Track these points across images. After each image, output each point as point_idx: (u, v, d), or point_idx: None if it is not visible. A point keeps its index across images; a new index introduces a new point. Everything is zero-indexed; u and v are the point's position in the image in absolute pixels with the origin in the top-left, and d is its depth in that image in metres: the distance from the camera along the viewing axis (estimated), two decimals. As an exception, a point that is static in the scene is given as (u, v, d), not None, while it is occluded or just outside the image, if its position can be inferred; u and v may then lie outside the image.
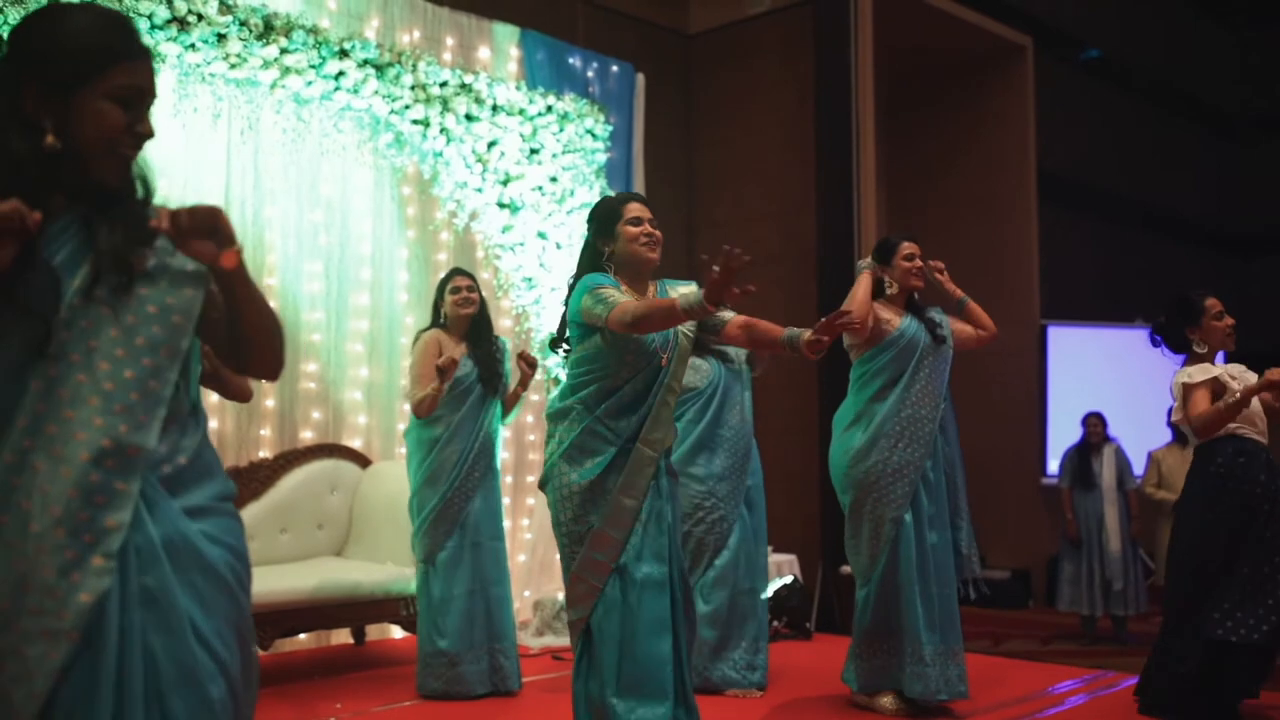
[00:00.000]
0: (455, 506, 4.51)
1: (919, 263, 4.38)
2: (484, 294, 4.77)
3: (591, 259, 3.21)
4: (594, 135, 6.19)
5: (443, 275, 4.82)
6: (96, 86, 1.67)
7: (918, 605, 4.19)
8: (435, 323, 4.68)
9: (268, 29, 4.80)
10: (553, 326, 6.00)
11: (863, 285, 4.30)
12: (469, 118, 5.63)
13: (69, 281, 1.63)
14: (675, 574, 3.10)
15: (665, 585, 3.05)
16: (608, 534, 3.04)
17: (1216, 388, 4.20)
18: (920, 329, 4.35)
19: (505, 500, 5.58)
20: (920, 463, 4.27)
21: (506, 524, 5.19)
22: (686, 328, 3.16)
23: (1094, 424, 7.09)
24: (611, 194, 6.29)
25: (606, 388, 3.08)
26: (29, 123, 1.65)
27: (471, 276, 4.72)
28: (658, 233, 3.17)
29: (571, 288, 3.17)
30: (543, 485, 3.19)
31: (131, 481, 1.63)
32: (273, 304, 6.48)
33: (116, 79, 1.68)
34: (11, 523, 1.59)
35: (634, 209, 3.18)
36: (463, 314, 4.59)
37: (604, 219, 3.20)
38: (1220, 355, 4.47)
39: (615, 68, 6.90)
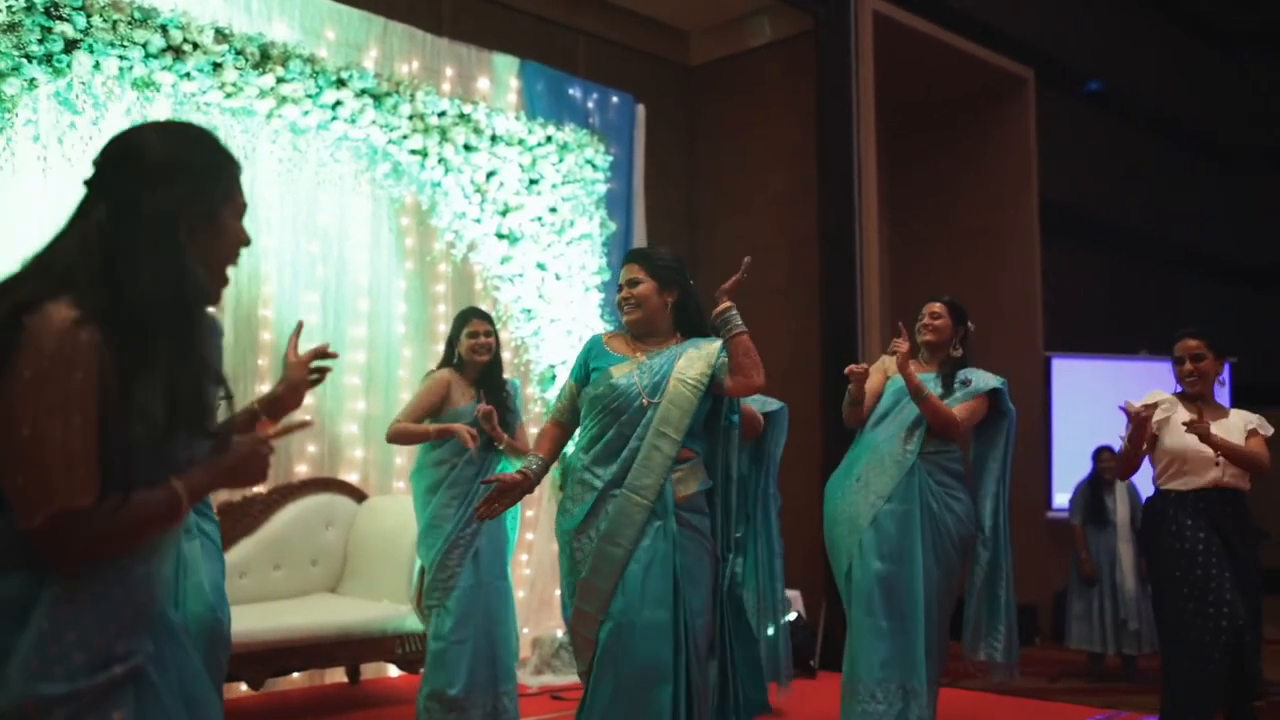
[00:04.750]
0: (459, 549, 4.39)
1: (925, 319, 4.20)
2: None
3: None
4: (594, 166, 6.14)
5: (459, 312, 4.64)
6: (232, 203, 1.66)
7: (866, 640, 3.92)
8: (449, 361, 4.54)
9: (264, 58, 4.75)
10: (551, 358, 5.92)
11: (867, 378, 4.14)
12: (468, 148, 5.58)
13: None
14: (682, 620, 2.96)
15: (668, 631, 2.92)
16: (594, 584, 2.98)
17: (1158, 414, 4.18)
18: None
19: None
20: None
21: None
22: (682, 373, 3.08)
23: (1107, 459, 6.82)
24: (612, 226, 6.28)
25: (594, 434, 3.10)
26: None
27: (489, 319, 4.54)
28: (633, 293, 3.22)
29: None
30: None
31: None
32: (267, 336, 6.32)
33: (240, 196, 1.68)
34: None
35: (623, 272, 3.31)
36: (478, 360, 4.46)
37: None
38: (1225, 395, 4.35)
39: (615, 98, 6.87)
